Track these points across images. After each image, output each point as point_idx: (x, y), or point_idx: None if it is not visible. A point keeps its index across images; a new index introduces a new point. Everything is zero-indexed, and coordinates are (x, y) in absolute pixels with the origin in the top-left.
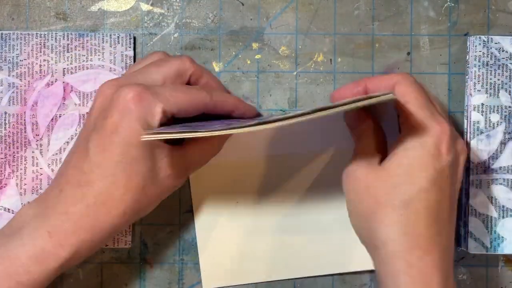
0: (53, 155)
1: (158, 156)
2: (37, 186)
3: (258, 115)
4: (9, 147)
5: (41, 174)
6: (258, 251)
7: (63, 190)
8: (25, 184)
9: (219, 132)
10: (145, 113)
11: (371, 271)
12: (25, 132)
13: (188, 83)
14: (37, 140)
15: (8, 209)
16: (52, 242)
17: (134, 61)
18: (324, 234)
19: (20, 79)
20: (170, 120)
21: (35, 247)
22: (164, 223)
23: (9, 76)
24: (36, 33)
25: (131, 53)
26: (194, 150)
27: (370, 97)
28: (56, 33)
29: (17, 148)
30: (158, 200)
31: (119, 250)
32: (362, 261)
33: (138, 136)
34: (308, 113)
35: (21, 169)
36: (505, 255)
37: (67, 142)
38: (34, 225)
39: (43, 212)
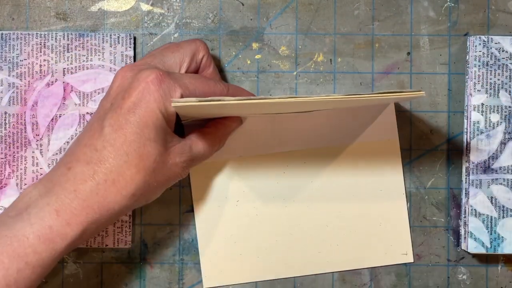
0: (53, 155)
1: (169, 142)
2: None
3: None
4: (9, 147)
5: (41, 174)
6: (258, 251)
7: (72, 168)
8: (25, 184)
9: (248, 101)
10: (164, 96)
11: (371, 270)
12: (25, 132)
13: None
14: (37, 140)
15: None
16: (59, 221)
17: (135, 61)
18: (324, 234)
19: (20, 79)
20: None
21: (43, 227)
22: (164, 223)
23: (9, 76)
24: (36, 33)
25: (131, 53)
26: (199, 143)
27: (401, 92)
28: (56, 33)
29: (17, 148)
30: (164, 186)
31: (119, 250)
32: (359, 259)
33: (154, 117)
34: (337, 97)
35: (21, 169)
36: (505, 255)
37: (67, 142)
38: (41, 204)
39: (50, 190)
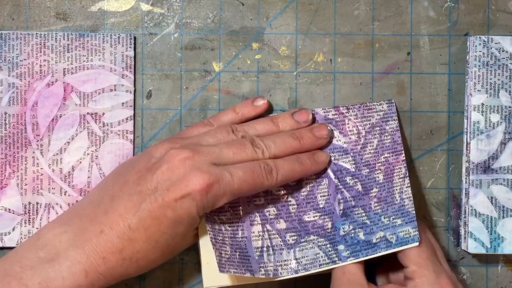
0: (54, 155)
1: (189, 231)
2: (37, 186)
3: None
4: (10, 148)
5: (42, 174)
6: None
7: (104, 233)
8: (25, 185)
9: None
10: (208, 204)
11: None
12: (25, 132)
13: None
14: (38, 141)
15: (9, 209)
16: (86, 282)
17: (135, 61)
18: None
19: (20, 79)
20: None
21: (74, 284)
22: None
23: (9, 76)
24: (36, 33)
25: (132, 53)
26: None
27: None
28: (56, 33)
29: (18, 149)
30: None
31: None
32: None
33: (191, 220)
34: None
35: (21, 169)
36: (505, 255)
37: (68, 143)
38: (72, 259)
39: (81, 246)
